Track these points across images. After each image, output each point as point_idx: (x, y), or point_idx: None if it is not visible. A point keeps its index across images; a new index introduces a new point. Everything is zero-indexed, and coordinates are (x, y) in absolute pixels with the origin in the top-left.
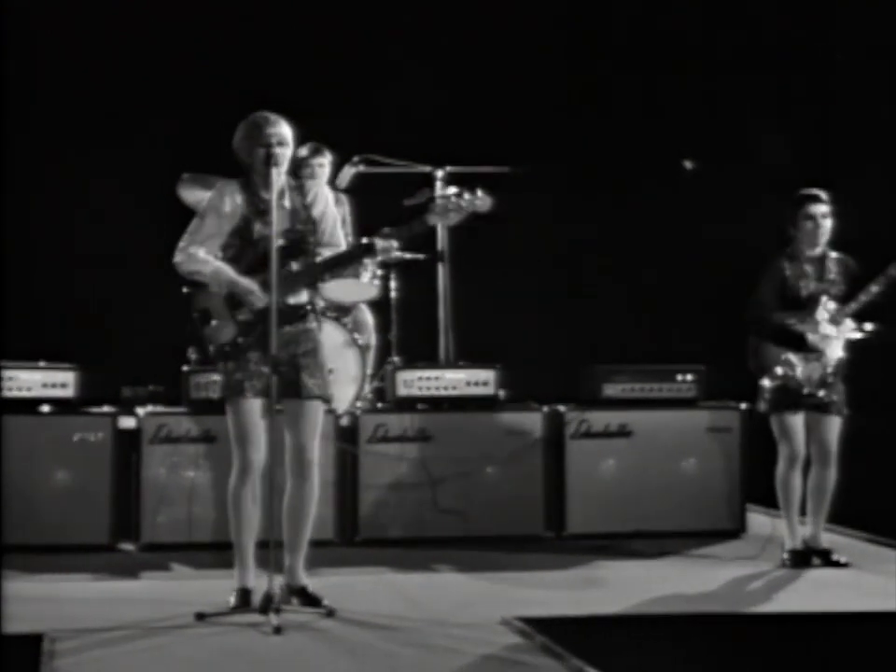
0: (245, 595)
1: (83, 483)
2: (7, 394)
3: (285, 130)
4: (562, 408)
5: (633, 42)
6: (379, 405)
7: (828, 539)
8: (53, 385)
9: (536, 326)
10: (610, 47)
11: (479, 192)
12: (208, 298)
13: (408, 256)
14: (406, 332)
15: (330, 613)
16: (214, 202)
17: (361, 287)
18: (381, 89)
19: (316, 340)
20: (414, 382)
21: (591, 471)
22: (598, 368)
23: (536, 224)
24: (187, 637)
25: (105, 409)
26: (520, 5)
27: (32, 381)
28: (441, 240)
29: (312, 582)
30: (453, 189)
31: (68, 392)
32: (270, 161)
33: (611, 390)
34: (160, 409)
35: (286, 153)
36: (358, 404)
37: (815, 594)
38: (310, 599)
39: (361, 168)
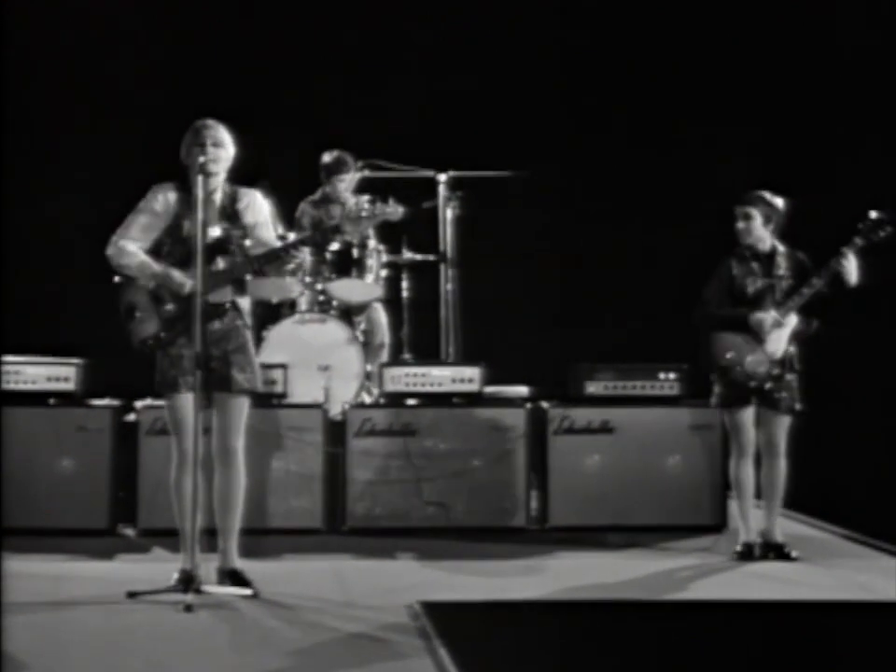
0: (185, 575)
1: (85, 471)
2: (14, 387)
3: (220, 133)
4: (545, 404)
5: (637, 46)
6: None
7: (804, 532)
8: (57, 379)
9: (534, 325)
10: (614, 51)
11: (390, 202)
12: (135, 291)
13: (419, 257)
14: (418, 330)
15: (254, 595)
16: (148, 200)
17: (366, 287)
18: (384, 93)
19: (246, 335)
20: (401, 378)
21: (574, 467)
22: (581, 365)
23: (533, 226)
24: (103, 612)
25: (106, 401)
26: (524, 9)
27: (37, 375)
28: (446, 242)
29: (269, 567)
30: (366, 198)
31: (70, 385)
32: (200, 164)
33: (594, 387)
34: (156, 402)
35: (219, 154)
36: (368, 398)
37: (740, 584)
38: (239, 581)
39: (365, 173)
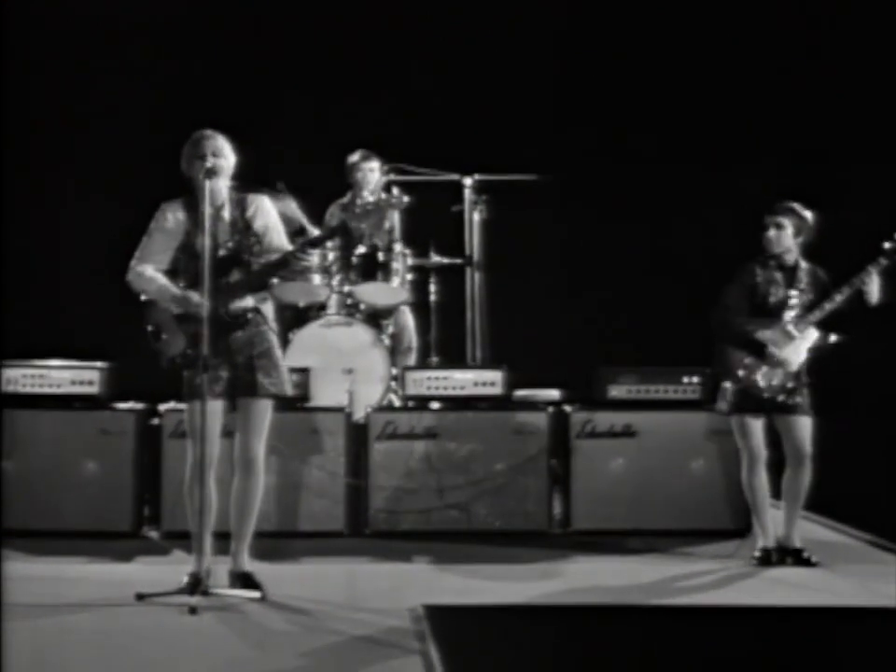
0: (193, 578)
1: (108, 474)
2: (39, 390)
3: (220, 143)
4: (568, 408)
5: (665, 53)
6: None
7: (826, 536)
8: (81, 383)
9: (561, 328)
10: (641, 58)
11: (394, 192)
12: (160, 311)
13: (445, 261)
14: (445, 334)
15: (262, 598)
16: (158, 220)
17: (392, 291)
18: (410, 97)
19: (270, 340)
20: (424, 381)
21: (596, 470)
22: (604, 369)
23: (559, 230)
24: (108, 613)
25: (130, 405)
26: (551, 15)
27: (61, 378)
28: (473, 246)
29: (284, 569)
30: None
31: (94, 389)
32: (205, 171)
33: (617, 391)
34: (179, 405)
35: (221, 164)
36: (397, 401)
37: (757, 589)
38: (249, 584)
39: (391, 176)
